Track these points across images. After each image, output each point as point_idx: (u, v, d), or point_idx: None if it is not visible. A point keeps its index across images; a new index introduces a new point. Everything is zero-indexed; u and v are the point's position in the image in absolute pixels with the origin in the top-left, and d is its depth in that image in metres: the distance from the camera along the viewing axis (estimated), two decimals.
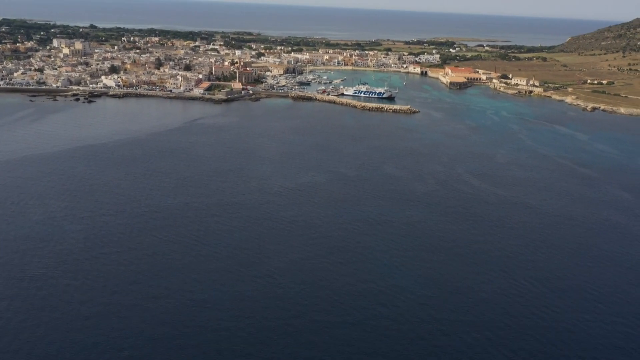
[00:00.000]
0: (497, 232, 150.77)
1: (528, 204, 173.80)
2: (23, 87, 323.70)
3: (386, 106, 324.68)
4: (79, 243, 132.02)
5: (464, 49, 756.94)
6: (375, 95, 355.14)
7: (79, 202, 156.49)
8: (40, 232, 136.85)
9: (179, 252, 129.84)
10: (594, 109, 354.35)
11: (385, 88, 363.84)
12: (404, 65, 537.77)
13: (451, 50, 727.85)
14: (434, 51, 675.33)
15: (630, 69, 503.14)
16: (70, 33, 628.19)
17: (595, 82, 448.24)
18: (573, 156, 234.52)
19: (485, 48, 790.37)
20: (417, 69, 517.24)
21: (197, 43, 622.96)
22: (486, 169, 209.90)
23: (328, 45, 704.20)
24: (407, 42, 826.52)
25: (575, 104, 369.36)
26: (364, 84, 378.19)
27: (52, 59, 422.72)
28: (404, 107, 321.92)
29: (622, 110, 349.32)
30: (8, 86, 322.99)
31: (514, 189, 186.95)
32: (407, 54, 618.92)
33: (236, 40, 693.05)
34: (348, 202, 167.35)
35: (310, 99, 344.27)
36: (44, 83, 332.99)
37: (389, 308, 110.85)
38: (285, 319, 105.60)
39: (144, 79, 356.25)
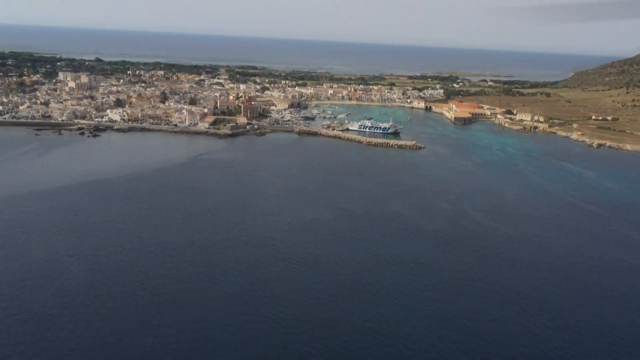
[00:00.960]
0: (508, 272, 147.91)
1: (538, 242, 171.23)
2: (28, 120, 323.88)
3: (391, 142, 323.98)
4: (84, 282, 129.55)
5: (467, 84, 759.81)
6: (381, 131, 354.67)
7: (84, 239, 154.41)
8: (43, 270, 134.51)
9: (184, 291, 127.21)
10: (599, 145, 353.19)
11: (391, 123, 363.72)
12: (408, 100, 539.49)
13: (454, 85, 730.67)
14: (437, 86, 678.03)
15: (635, 105, 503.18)
16: (76, 66, 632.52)
17: (600, 118, 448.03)
18: (581, 194, 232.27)
19: (489, 83, 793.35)
20: (422, 104, 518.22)
21: (202, 77, 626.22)
22: (494, 206, 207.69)
23: (332, 79, 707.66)
24: (410, 77, 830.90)
25: (580, 140, 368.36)
26: (369, 119, 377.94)
27: (58, 92, 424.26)
28: (409, 143, 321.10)
29: (628, 146, 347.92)
30: (13, 120, 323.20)
31: (523, 227, 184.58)
32: (411, 88, 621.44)
33: (240, 74, 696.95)
34: (356, 239, 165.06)
35: (315, 134, 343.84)
36: (49, 116, 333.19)
37: (400, 350, 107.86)
38: None
39: (149, 112, 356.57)
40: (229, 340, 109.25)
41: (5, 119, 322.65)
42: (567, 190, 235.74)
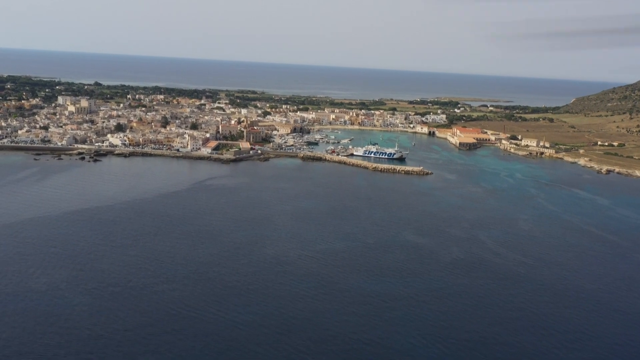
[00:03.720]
0: (535, 318, 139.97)
1: (564, 279, 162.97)
2: (27, 145, 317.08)
3: (398, 167, 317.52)
4: (85, 319, 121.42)
5: (468, 109, 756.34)
6: (386, 156, 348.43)
7: (85, 272, 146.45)
8: (43, 305, 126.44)
9: (191, 329, 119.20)
10: (608, 171, 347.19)
11: (396, 149, 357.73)
12: (411, 125, 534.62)
13: (456, 110, 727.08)
14: (439, 111, 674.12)
15: None
16: (75, 90, 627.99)
17: (606, 143, 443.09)
18: (598, 222, 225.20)
19: (490, 108, 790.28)
20: (425, 129, 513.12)
21: (202, 101, 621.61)
22: (510, 236, 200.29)
23: (332, 104, 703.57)
24: (410, 102, 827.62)
25: (589, 166, 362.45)
26: (374, 144, 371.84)
27: (58, 117, 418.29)
28: (416, 169, 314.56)
29: (638, 173, 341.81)
30: (12, 144, 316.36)
31: (543, 260, 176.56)
32: (413, 113, 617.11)
33: (241, 99, 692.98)
34: (370, 272, 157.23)
35: (319, 159, 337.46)
36: (49, 141, 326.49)
37: None
38: None
39: (150, 137, 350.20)
40: None
41: (4, 143, 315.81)
42: (583, 219, 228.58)
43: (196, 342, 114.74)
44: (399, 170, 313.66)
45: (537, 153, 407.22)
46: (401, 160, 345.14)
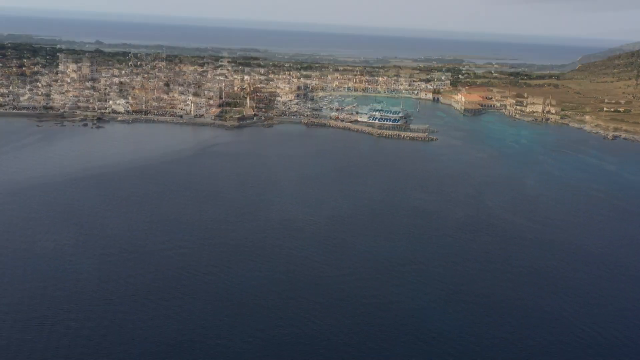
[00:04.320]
0: (545, 283, 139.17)
1: (571, 243, 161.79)
2: (30, 111, 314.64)
3: (403, 133, 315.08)
4: (94, 283, 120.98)
5: (472, 75, 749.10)
6: (391, 119, 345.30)
7: (91, 238, 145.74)
8: (51, 270, 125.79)
9: (201, 294, 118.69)
10: (615, 136, 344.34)
11: (401, 114, 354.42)
12: (415, 91, 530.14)
13: (460, 75, 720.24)
14: (442, 77, 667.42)
15: None
16: (76, 52, 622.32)
17: (612, 106, 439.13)
18: (606, 188, 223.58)
19: (494, 74, 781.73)
20: (429, 95, 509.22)
21: (204, 66, 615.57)
22: (517, 200, 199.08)
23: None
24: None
25: (595, 131, 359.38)
26: (378, 102, 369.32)
27: (59, 82, 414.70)
28: (421, 134, 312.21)
29: None
30: (14, 110, 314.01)
31: (550, 224, 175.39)
32: (417, 79, 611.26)
33: (243, 64, 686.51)
34: (377, 236, 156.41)
35: (324, 125, 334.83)
36: (51, 107, 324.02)
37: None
38: None
39: (153, 103, 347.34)
40: (248, 350, 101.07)
41: (6, 109, 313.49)
42: (591, 185, 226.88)
43: (207, 306, 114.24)
44: (404, 136, 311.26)
45: (542, 118, 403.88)
46: (406, 125, 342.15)
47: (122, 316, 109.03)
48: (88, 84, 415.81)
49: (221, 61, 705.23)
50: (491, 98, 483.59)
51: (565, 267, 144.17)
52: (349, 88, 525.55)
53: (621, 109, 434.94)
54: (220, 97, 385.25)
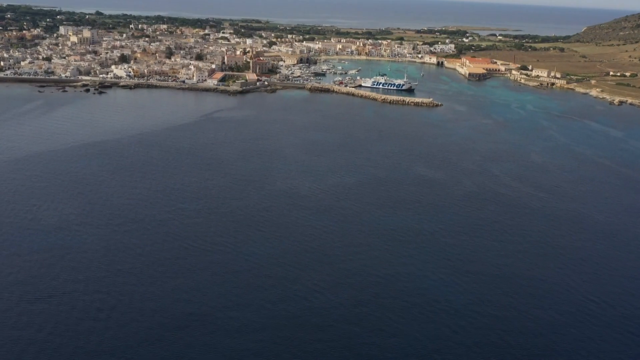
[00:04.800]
0: (552, 252, 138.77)
1: (578, 212, 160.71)
2: (31, 77, 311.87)
3: (407, 99, 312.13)
4: (100, 254, 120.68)
5: (477, 39, 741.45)
6: (395, 87, 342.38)
7: (95, 208, 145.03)
8: (56, 241, 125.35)
9: (209, 266, 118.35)
10: (621, 102, 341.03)
11: (405, 80, 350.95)
12: (419, 55, 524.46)
13: (464, 39, 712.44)
14: (447, 41, 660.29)
15: None
16: (76, 20, 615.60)
17: (619, 74, 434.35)
18: (612, 155, 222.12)
19: (499, 37, 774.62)
20: (433, 59, 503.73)
21: (206, 31, 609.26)
22: (523, 169, 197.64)
23: (339, 33, 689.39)
24: (418, 31, 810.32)
25: (601, 97, 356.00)
26: (382, 75, 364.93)
27: (60, 48, 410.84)
28: (425, 100, 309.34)
29: None
30: (16, 76, 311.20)
31: (557, 194, 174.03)
32: (421, 43, 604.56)
33: (245, 28, 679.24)
34: (383, 207, 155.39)
35: (327, 90, 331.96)
36: (52, 73, 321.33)
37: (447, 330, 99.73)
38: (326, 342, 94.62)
39: (155, 69, 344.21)
40: (252, 320, 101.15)
41: (7, 75, 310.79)
42: (597, 152, 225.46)
43: (215, 277, 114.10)
44: (408, 102, 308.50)
45: (548, 84, 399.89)
46: (410, 91, 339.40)
47: (130, 288, 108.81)
48: (89, 48, 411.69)
49: (222, 24, 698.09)
50: (496, 62, 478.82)
51: (573, 237, 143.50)
52: (352, 52, 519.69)
53: (627, 73, 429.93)
54: (223, 63, 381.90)
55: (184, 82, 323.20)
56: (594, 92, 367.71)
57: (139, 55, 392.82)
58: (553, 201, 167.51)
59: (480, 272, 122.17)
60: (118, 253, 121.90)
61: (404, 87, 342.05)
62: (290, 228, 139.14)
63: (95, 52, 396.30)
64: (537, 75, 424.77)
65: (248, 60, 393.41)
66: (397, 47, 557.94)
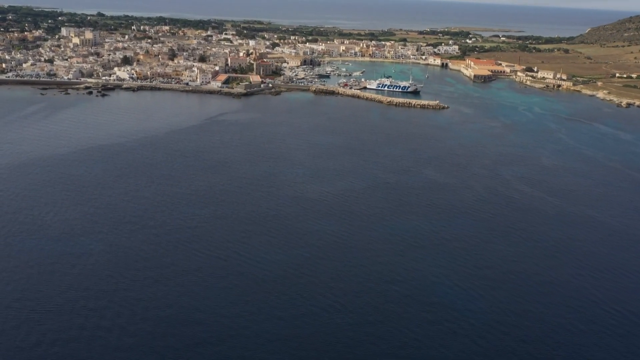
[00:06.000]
0: (568, 258, 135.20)
1: (593, 218, 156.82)
2: (33, 79, 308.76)
3: (413, 101, 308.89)
4: (104, 261, 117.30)
5: (480, 40, 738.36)
6: (400, 90, 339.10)
7: (99, 214, 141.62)
8: (59, 250, 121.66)
9: (216, 271, 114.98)
10: (629, 104, 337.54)
11: (410, 82, 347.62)
12: (423, 57, 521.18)
13: (467, 41, 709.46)
14: (450, 42, 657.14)
15: None
16: (78, 21, 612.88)
17: (625, 75, 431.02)
18: (623, 158, 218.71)
19: (502, 39, 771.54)
20: (437, 61, 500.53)
21: (209, 32, 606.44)
22: (534, 173, 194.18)
23: (341, 35, 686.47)
24: (420, 32, 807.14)
25: (608, 99, 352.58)
26: (387, 77, 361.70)
27: (62, 49, 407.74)
28: (432, 103, 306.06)
29: None
30: (17, 78, 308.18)
31: (571, 199, 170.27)
32: (424, 44, 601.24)
33: (247, 29, 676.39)
34: (395, 213, 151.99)
35: (332, 93, 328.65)
36: (54, 75, 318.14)
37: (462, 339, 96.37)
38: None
39: (158, 70, 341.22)
40: (257, 328, 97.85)
41: (9, 77, 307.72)
42: (607, 155, 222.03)
43: (225, 283, 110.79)
44: (414, 105, 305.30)
45: (554, 85, 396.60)
46: (416, 93, 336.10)
47: (135, 295, 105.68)
48: (92, 50, 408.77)
49: (225, 26, 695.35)
50: (501, 64, 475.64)
51: (590, 243, 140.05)
52: (355, 53, 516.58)
53: (634, 75, 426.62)
54: (226, 64, 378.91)
55: (187, 84, 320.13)
56: (600, 94, 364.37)
57: (141, 57, 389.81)
58: (567, 206, 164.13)
59: (497, 279, 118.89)
60: (121, 259, 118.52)
61: (409, 90, 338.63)
62: (302, 234, 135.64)
63: (98, 54, 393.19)
64: (543, 77, 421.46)
65: (251, 62, 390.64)
66: (401, 48, 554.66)
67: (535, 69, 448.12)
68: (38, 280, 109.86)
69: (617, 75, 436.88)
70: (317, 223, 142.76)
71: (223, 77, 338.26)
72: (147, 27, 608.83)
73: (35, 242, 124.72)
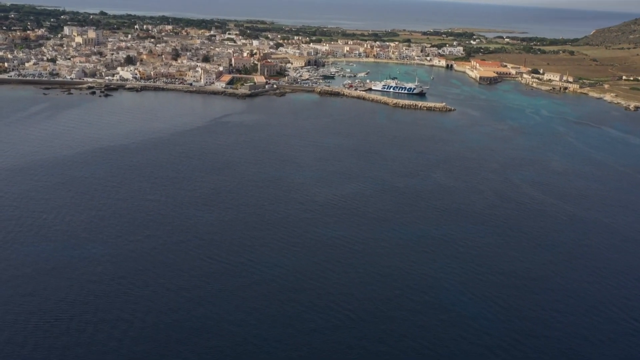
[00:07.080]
0: (583, 265, 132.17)
1: (607, 224, 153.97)
2: (35, 78, 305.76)
3: (419, 103, 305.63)
4: (110, 270, 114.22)
5: (484, 41, 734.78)
6: (405, 91, 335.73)
7: (103, 218, 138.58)
8: (62, 258, 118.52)
9: (224, 281, 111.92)
10: (637, 108, 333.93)
11: (416, 83, 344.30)
12: (428, 58, 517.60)
13: (472, 42, 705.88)
14: (454, 43, 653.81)
15: None
16: (80, 20, 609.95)
17: (632, 78, 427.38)
18: (634, 163, 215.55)
19: (506, 40, 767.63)
20: (442, 62, 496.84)
21: (212, 32, 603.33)
22: (544, 177, 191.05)
23: (345, 35, 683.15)
24: (424, 33, 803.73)
25: (615, 102, 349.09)
26: (393, 78, 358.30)
27: (65, 48, 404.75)
28: (438, 105, 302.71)
29: None
30: (20, 77, 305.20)
31: (584, 205, 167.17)
32: (429, 45, 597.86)
33: (251, 29, 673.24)
34: (405, 218, 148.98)
35: (337, 94, 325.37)
36: (57, 74, 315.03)
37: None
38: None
39: (161, 71, 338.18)
40: (269, 335, 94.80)
41: (11, 76, 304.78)
42: (618, 160, 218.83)
43: (235, 290, 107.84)
44: (420, 107, 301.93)
45: (560, 88, 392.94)
46: (421, 95, 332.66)
47: (145, 302, 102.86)
48: (94, 49, 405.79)
49: (228, 25, 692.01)
50: (506, 66, 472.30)
51: (605, 249, 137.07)
52: (359, 54, 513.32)
53: None
54: (230, 65, 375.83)
55: (191, 84, 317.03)
56: (608, 97, 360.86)
57: (145, 56, 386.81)
58: (580, 212, 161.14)
59: (512, 285, 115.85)
60: (128, 265, 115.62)
61: (415, 91, 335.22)
62: (310, 239, 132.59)
63: (101, 54, 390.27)
64: (549, 79, 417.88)
65: (255, 62, 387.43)
66: (405, 49, 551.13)
67: (541, 71, 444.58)
68: (44, 287, 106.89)
69: (624, 77, 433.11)
70: (327, 228, 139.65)
71: (227, 77, 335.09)
72: (150, 27, 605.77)
73: (41, 247, 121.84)
